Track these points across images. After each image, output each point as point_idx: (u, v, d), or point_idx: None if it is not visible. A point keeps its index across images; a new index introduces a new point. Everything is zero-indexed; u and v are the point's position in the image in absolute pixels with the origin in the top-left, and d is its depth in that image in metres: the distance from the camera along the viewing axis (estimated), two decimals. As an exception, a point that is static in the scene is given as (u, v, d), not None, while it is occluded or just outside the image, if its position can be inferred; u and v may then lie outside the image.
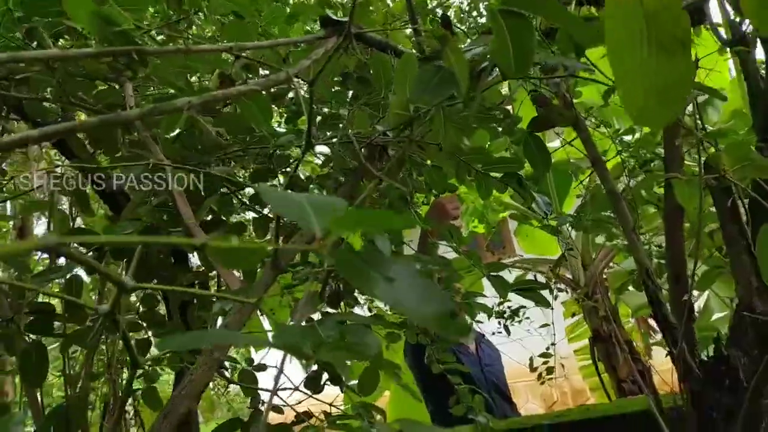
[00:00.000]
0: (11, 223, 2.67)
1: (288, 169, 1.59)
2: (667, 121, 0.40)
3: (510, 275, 3.59)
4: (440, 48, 0.92)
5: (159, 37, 1.38)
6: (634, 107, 0.35)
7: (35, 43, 1.48)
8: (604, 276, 3.36)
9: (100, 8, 0.66)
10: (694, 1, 1.51)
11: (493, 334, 2.45)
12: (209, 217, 1.56)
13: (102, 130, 1.56)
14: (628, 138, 1.49)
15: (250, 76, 0.94)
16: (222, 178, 1.13)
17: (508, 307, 1.81)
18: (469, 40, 0.94)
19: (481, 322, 1.77)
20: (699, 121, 1.26)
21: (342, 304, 1.62)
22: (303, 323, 1.14)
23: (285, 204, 0.40)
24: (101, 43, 0.76)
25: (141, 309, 1.62)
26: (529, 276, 3.71)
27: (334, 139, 1.01)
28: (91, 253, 1.36)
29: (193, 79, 1.61)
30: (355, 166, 1.23)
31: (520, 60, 0.68)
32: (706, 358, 0.90)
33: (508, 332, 2.29)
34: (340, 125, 1.19)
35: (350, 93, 1.28)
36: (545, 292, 1.42)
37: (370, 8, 1.53)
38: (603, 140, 2.07)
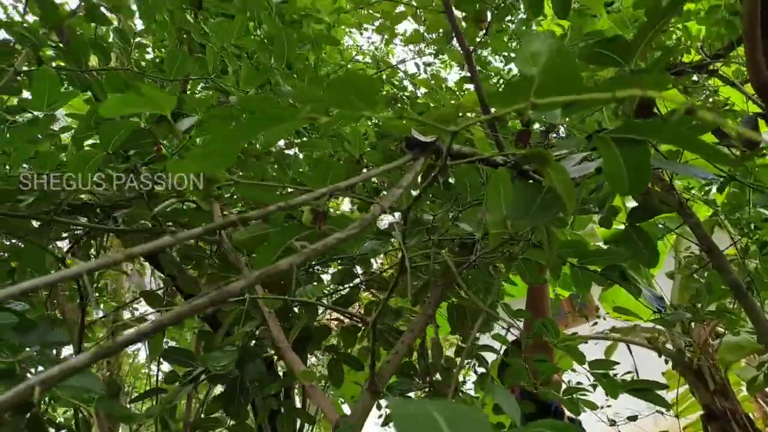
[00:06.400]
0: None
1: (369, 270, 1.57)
2: None
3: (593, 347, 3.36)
4: (529, 158, 0.88)
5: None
6: None
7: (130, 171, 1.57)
8: (710, 342, 3.07)
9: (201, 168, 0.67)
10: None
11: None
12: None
13: (186, 249, 1.61)
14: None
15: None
16: (308, 302, 1.12)
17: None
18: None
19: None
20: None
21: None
22: None
23: (416, 425, 0.35)
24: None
25: (231, 423, 1.60)
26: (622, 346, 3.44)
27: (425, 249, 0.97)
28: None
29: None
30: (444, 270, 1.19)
31: (636, 182, 0.62)
32: None
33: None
34: (426, 231, 1.16)
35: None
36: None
37: (441, 104, 1.53)
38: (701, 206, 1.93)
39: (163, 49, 2.76)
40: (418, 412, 0.35)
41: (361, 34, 3.37)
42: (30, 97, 2.33)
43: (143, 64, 2.41)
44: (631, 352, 3.36)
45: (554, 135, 1.84)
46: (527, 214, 0.72)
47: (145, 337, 0.53)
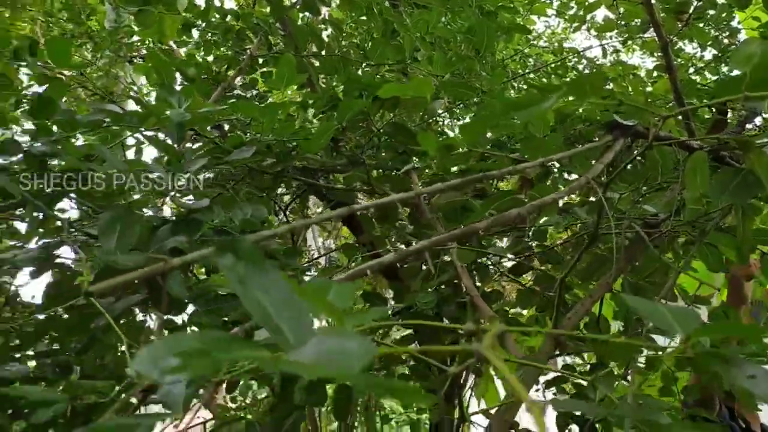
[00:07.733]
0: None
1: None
2: None
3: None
4: (732, 144, 0.96)
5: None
6: None
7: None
8: None
9: (442, 140, 0.88)
10: None
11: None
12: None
13: (388, 210, 1.89)
14: None
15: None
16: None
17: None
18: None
19: None
20: None
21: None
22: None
23: (651, 311, 0.52)
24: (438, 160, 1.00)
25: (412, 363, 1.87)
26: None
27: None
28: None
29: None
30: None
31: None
32: None
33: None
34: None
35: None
36: None
37: (629, 91, 1.59)
38: None
39: (357, 35, 3.10)
40: (652, 305, 0.51)
41: (539, 18, 3.41)
42: (257, 77, 2.80)
43: (344, 49, 2.76)
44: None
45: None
46: (726, 192, 0.81)
47: (358, 276, 0.75)
